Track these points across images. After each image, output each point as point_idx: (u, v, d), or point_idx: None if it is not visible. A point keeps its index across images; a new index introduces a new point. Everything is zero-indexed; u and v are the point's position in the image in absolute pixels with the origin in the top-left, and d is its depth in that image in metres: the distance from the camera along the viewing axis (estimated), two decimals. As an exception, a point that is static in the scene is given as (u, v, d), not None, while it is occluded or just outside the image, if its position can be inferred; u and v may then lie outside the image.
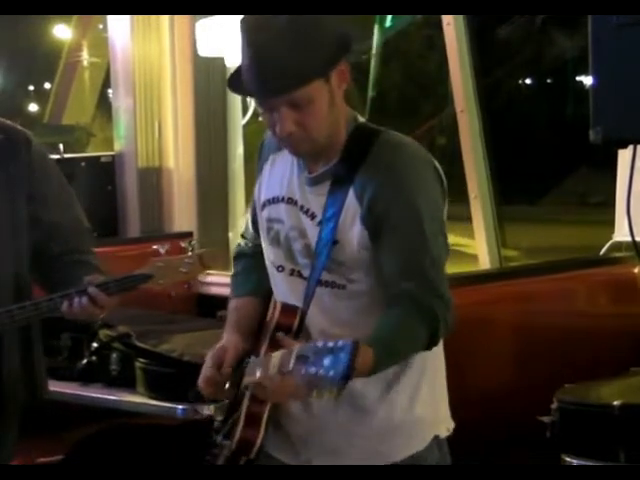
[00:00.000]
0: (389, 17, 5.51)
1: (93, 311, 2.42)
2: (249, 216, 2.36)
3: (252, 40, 2.03)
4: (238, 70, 2.05)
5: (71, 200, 2.84)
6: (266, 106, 2.00)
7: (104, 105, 6.28)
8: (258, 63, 2.02)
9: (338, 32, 2.04)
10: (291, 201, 2.16)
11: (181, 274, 2.54)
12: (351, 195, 2.07)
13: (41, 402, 2.90)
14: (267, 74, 2.01)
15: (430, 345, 2.04)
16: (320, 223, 2.07)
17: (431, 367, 2.22)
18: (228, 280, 2.41)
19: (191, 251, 2.59)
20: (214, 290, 4.50)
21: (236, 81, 2.09)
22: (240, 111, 5.46)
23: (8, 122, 2.73)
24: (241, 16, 2.07)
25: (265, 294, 2.26)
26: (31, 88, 8.65)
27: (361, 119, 2.12)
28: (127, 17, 5.24)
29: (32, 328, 2.70)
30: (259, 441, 2.16)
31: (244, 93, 2.44)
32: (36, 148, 2.71)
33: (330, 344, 1.75)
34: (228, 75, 3.77)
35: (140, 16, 5.28)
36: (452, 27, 4.38)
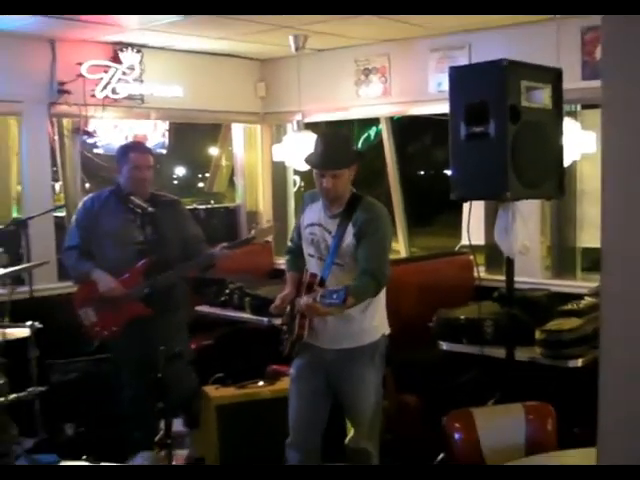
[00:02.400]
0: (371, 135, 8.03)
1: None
2: (295, 232, 4.23)
3: (323, 141, 3.83)
4: (309, 156, 3.85)
5: (193, 224, 5.14)
6: (320, 174, 3.76)
7: (231, 183, 8.44)
8: (324, 153, 3.76)
9: (357, 149, 5.01)
10: (320, 225, 3.90)
11: (263, 236, 4.63)
12: (350, 224, 3.77)
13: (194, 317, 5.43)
14: (327, 159, 3.77)
15: (377, 293, 3.77)
16: (334, 236, 3.80)
17: (380, 301, 3.95)
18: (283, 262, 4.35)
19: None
20: (281, 267, 5.78)
21: (307, 160, 3.87)
22: (292, 185, 7.98)
23: (168, 194, 5.19)
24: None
25: (301, 269, 4.03)
26: (199, 175, 11.86)
27: (354, 190, 3.87)
28: (242, 142, 7.84)
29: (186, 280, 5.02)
30: (305, 335, 3.88)
31: (311, 166, 3.87)
32: (181, 204, 5.23)
33: (336, 288, 3.46)
34: (288, 169, 7.40)
35: (248, 140, 7.85)
36: (388, 144, 6.88)
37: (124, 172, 4.92)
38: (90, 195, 5.21)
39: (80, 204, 5.11)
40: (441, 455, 4.19)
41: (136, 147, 5.19)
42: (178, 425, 4.75)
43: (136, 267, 4.83)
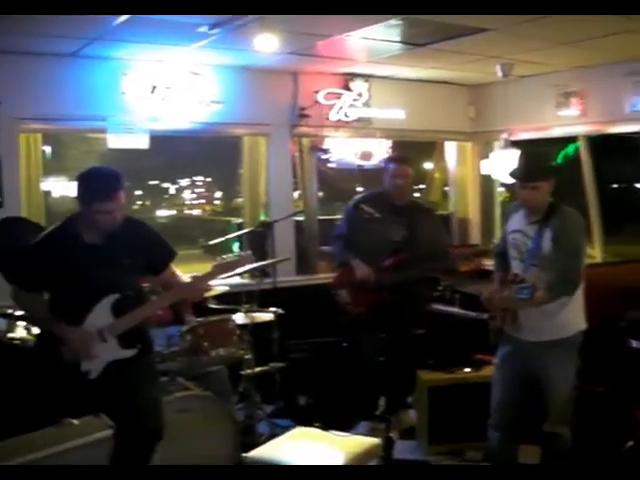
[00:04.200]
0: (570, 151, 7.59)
1: None
2: (501, 237, 4.45)
3: (525, 157, 4.06)
4: (513, 170, 4.03)
5: (443, 231, 5.66)
6: (521, 186, 3.99)
7: (444, 193, 8.79)
8: (524, 168, 4.00)
9: (555, 164, 4.65)
10: (521, 231, 4.12)
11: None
12: (548, 229, 3.93)
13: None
14: (527, 174, 3.98)
15: (571, 291, 3.89)
16: (533, 241, 4.01)
17: (577, 299, 4.05)
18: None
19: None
20: (487, 268, 5.77)
21: (511, 174, 4.06)
22: (498, 196, 8.33)
23: (424, 203, 5.95)
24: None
25: (507, 270, 4.20)
26: (415, 187, 9.47)
27: (552, 200, 4.03)
28: (454, 157, 8.39)
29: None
30: (506, 327, 4.11)
31: (514, 179, 4.06)
32: (434, 212, 5.84)
33: (526, 285, 3.82)
34: (495, 182, 7.98)
35: (459, 156, 8.38)
36: (585, 160, 7.13)
37: (386, 180, 5.62)
38: (362, 194, 5.93)
39: (352, 201, 5.79)
40: (630, 443, 4.34)
41: (395, 159, 5.73)
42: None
43: (389, 261, 5.43)
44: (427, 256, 5.35)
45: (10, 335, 4.62)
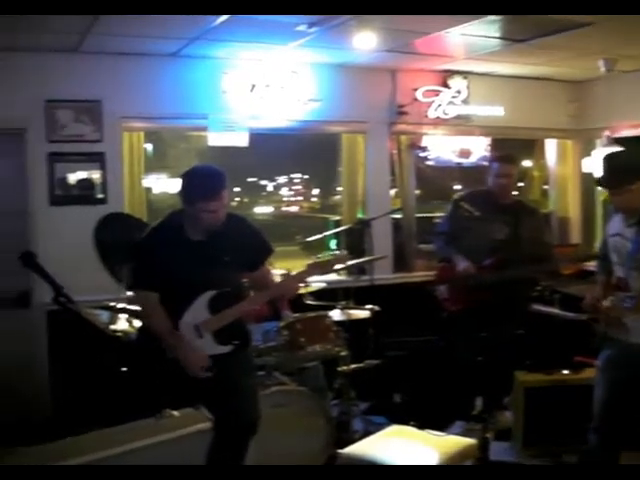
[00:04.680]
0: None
1: None
2: (602, 241, 4.29)
3: (607, 162, 3.91)
4: (599, 179, 3.93)
5: (547, 232, 5.62)
6: (611, 192, 3.92)
7: (543, 191, 8.69)
8: (606, 174, 3.88)
9: None
10: (620, 235, 4.01)
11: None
12: None
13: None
14: (608, 180, 3.91)
15: None
16: (632, 244, 3.88)
17: None
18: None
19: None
20: (588, 269, 5.63)
21: (597, 183, 4.12)
22: (599, 195, 7.98)
23: (529, 203, 5.71)
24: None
25: (610, 273, 4.07)
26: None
27: None
28: (554, 155, 8.22)
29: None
30: (610, 330, 3.97)
31: (600, 186, 4.35)
32: (539, 213, 5.71)
33: (632, 294, 3.73)
34: (595, 177, 5.92)
35: (560, 154, 8.19)
36: None
37: (489, 179, 5.61)
38: (464, 192, 5.90)
39: (455, 197, 5.75)
40: None
41: (500, 158, 5.65)
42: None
43: (490, 260, 5.43)
44: (530, 257, 5.29)
45: (113, 327, 4.74)
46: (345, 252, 4.25)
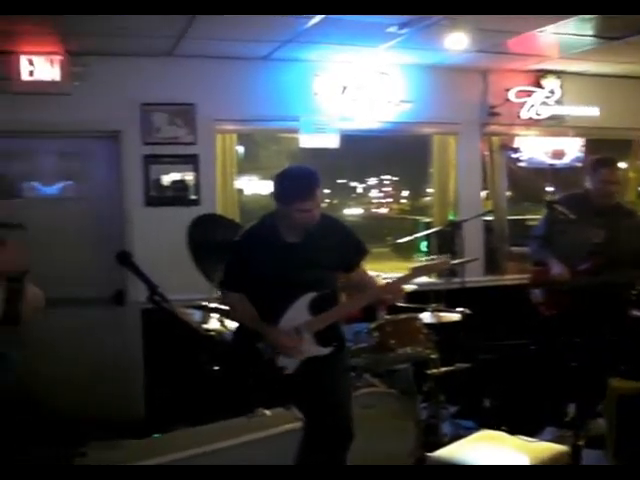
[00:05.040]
0: None
1: None
2: None
3: None
4: None
5: None
6: None
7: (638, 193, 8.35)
8: None
9: None
10: None
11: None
12: None
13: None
14: None
15: None
16: None
17: None
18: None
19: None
20: None
21: None
22: None
23: (627, 205, 5.61)
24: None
25: None
26: None
27: None
28: None
29: None
30: None
31: None
32: (638, 216, 5.53)
33: None
34: None
35: None
36: None
37: (593, 184, 5.48)
38: (562, 194, 5.86)
39: (550, 200, 5.67)
40: None
41: (606, 163, 5.49)
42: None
43: (586, 264, 5.36)
44: (627, 260, 5.21)
45: (205, 326, 4.82)
46: (448, 256, 4.24)
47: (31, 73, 5.78)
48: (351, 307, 4.11)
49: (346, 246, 3.98)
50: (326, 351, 3.88)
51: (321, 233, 3.82)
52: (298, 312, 3.83)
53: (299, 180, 3.71)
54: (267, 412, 2.98)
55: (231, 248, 3.97)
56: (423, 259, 4.15)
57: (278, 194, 3.78)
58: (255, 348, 3.84)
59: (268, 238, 3.84)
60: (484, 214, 7.04)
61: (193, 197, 6.31)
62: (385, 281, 4.12)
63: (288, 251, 3.82)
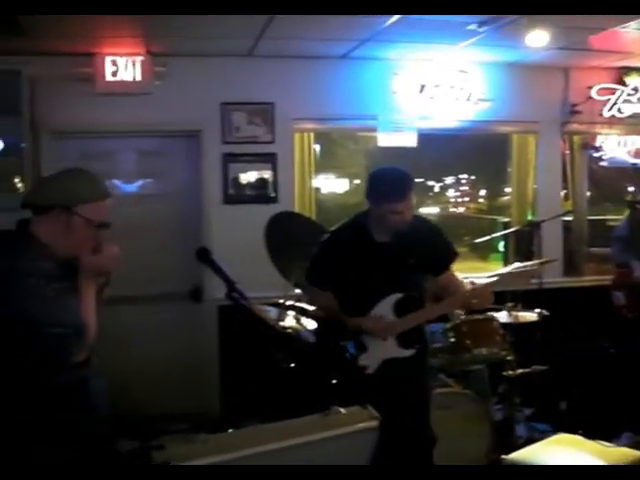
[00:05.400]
0: None
1: None
2: None
3: None
4: None
5: None
6: None
7: None
8: None
9: None
10: None
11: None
12: None
13: None
14: None
15: None
16: None
17: None
18: None
19: None
20: None
21: None
22: None
23: None
24: None
25: None
26: None
27: None
28: None
29: None
30: None
31: None
32: None
33: None
34: None
35: None
36: None
37: None
38: None
39: (633, 201, 5.79)
40: None
41: None
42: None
43: None
44: None
45: (281, 324, 4.86)
46: (536, 264, 4.11)
47: (114, 73, 5.93)
48: (437, 311, 4.05)
49: (437, 249, 3.95)
50: (407, 353, 3.87)
51: (412, 235, 3.79)
52: (383, 312, 3.82)
53: (392, 181, 3.69)
54: (342, 410, 2.97)
55: (319, 245, 4.00)
56: (516, 264, 4.02)
57: (370, 194, 3.79)
58: (338, 346, 3.85)
59: (357, 236, 3.84)
60: (563, 214, 6.94)
61: (271, 195, 6.39)
62: (472, 286, 4.10)
63: (376, 250, 3.82)
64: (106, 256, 2.73)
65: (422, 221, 3.99)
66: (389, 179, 3.73)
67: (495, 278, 4.03)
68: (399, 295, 3.78)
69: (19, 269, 2.43)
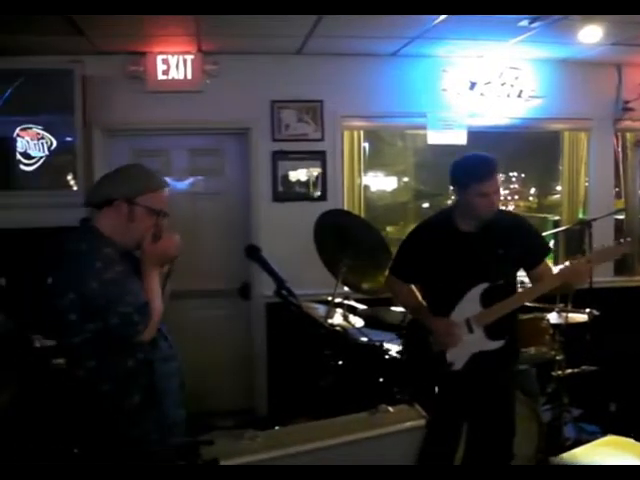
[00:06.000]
0: None
1: None
2: None
3: None
4: None
5: None
6: None
7: None
8: None
9: None
10: None
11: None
12: None
13: None
14: None
15: None
16: None
17: None
18: None
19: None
20: None
21: None
22: None
23: None
24: None
25: None
26: None
27: None
28: None
29: None
30: None
31: None
32: None
33: None
34: None
35: None
36: None
37: None
38: None
39: None
40: None
41: None
42: None
43: None
44: None
45: (330, 321, 4.88)
46: (629, 239, 3.96)
47: (165, 72, 5.99)
48: (526, 298, 3.92)
49: (528, 243, 3.87)
50: (496, 345, 3.79)
51: (499, 225, 3.75)
52: (470, 303, 3.75)
53: (480, 163, 3.68)
54: (390, 408, 2.98)
55: (405, 238, 4.00)
56: (603, 244, 3.86)
57: (455, 181, 3.77)
58: (425, 341, 3.83)
59: (443, 227, 3.84)
60: (615, 212, 6.88)
61: (320, 193, 6.41)
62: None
63: (463, 240, 3.79)
64: (167, 243, 2.88)
65: (510, 214, 4.03)
66: (476, 161, 3.74)
67: (585, 257, 3.80)
68: (486, 284, 3.71)
69: (85, 252, 2.65)
